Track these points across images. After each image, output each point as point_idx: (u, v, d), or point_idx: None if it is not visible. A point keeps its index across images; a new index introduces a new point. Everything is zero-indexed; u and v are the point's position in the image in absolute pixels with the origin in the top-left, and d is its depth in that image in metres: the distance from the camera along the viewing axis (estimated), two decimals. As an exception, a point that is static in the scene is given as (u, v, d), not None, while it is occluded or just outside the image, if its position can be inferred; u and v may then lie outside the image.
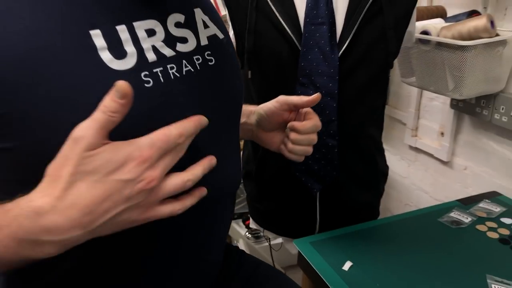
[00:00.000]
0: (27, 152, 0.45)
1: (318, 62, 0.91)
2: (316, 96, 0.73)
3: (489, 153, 1.27)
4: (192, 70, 0.55)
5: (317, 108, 0.92)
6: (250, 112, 0.85)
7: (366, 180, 1.06)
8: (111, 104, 0.41)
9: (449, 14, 1.27)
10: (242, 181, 1.23)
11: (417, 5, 1.18)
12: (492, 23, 1.03)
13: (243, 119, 0.82)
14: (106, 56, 0.46)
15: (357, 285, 0.84)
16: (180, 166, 0.47)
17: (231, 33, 1.01)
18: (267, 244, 1.91)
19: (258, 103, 1.02)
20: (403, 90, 1.56)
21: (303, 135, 0.75)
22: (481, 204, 1.14)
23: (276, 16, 0.92)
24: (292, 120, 0.77)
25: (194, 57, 0.56)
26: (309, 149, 0.77)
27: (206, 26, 0.59)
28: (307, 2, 0.91)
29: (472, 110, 1.26)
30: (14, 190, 0.43)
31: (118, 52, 0.47)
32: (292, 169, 1.00)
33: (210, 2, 0.65)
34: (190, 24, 0.57)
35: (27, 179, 0.42)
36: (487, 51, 1.05)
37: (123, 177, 0.41)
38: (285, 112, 0.78)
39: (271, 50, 0.94)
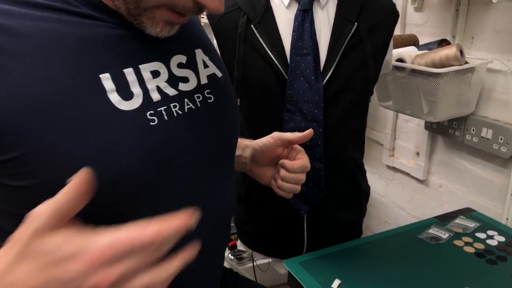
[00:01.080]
0: (42, 190, 0.46)
1: (304, 90, 0.97)
2: (308, 132, 0.76)
3: (462, 171, 1.35)
4: (193, 107, 0.59)
5: (304, 133, 0.97)
6: (246, 146, 0.87)
7: (350, 200, 1.11)
8: (68, 190, 0.38)
9: (421, 42, 1.36)
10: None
11: (392, 34, 1.27)
12: (461, 52, 1.11)
13: (238, 152, 0.85)
14: (114, 98, 0.50)
15: (347, 302, 0.88)
16: (181, 198, 0.51)
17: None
18: (250, 265, 1.93)
19: (247, 129, 1.07)
20: (380, 112, 1.64)
21: (291, 173, 0.77)
22: (457, 220, 1.21)
23: (264, 47, 0.98)
24: (284, 156, 0.80)
25: (195, 95, 0.60)
26: (297, 187, 0.79)
27: (206, 65, 0.64)
28: (292, 35, 0.97)
29: (445, 131, 1.34)
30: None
31: (126, 93, 0.51)
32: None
33: (211, 42, 0.70)
34: (191, 64, 0.61)
35: None
36: (458, 77, 1.13)
37: (64, 275, 0.37)
38: (279, 148, 0.79)
39: (259, 80, 0.99)
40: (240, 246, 1.25)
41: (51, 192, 0.42)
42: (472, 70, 1.15)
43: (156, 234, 0.37)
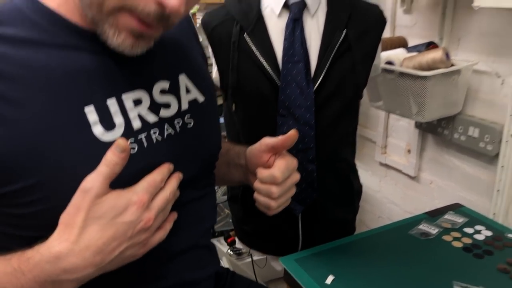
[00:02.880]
0: (37, 216, 0.53)
1: (296, 95, 1.01)
2: (291, 133, 0.72)
3: (451, 168, 1.40)
4: (172, 133, 0.63)
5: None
6: (238, 153, 0.84)
7: (343, 199, 1.16)
8: (113, 157, 0.50)
9: (410, 44, 1.40)
10: (227, 202, 1.31)
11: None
12: (447, 55, 1.16)
13: (235, 161, 0.84)
14: (98, 130, 0.55)
15: (339, 297, 0.93)
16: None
17: (214, 69, 1.11)
18: (249, 260, 1.98)
19: (243, 133, 1.11)
20: (372, 111, 1.68)
21: (262, 184, 0.71)
22: (446, 216, 1.26)
23: (257, 55, 1.02)
24: (271, 164, 0.72)
25: (175, 121, 0.64)
26: (270, 203, 0.72)
27: (188, 91, 0.67)
28: (284, 43, 1.01)
29: (434, 130, 1.38)
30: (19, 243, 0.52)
31: (108, 124, 0.56)
32: (275, 192, 1.08)
33: (198, 63, 0.72)
34: (173, 90, 0.65)
35: (37, 235, 0.51)
36: (444, 79, 1.18)
37: (126, 220, 0.51)
38: (264, 154, 0.73)
39: (253, 86, 1.04)
40: (238, 244, 1.30)
41: (45, 217, 0.52)
42: (458, 72, 1.20)
43: (161, 174, 0.55)
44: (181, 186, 0.61)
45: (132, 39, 0.53)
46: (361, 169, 1.85)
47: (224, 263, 2.03)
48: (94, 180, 0.49)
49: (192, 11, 2.27)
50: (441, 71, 1.15)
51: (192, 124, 0.66)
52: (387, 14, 1.51)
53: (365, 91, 1.39)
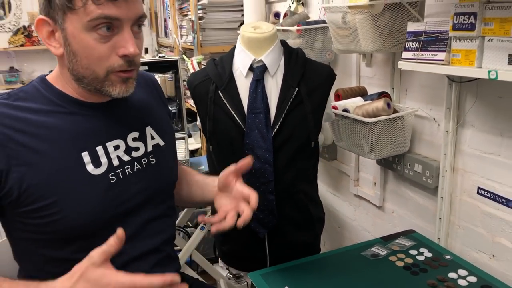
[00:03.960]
0: (47, 227, 0.82)
1: (258, 139, 1.27)
2: (247, 160, 0.98)
3: (407, 199, 1.61)
4: (140, 168, 0.93)
5: (258, 172, 1.26)
6: (213, 179, 1.10)
7: (302, 224, 1.39)
8: (111, 242, 0.71)
9: (369, 92, 1.65)
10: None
11: (348, 85, 1.58)
12: (388, 104, 1.40)
13: (207, 184, 1.13)
14: (90, 167, 0.85)
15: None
16: (131, 229, 0.86)
17: (198, 118, 1.38)
18: (244, 284, 2.19)
19: (219, 167, 1.37)
20: (345, 149, 1.91)
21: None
22: (398, 240, 1.46)
23: (228, 108, 1.29)
24: (233, 184, 1.00)
25: (142, 159, 0.95)
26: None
27: (152, 138, 0.98)
28: (248, 98, 1.28)
29: (390, 166, 1.61)
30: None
31: (96, 163, 0.86)
32: (244, 218, 1.33)
33: (161, 117, 1.03)
34: (142, 138, 0.96)
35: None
36: (389, 124, 1.42)
37: None
38: (230, 176, 1.00)
39: (225, 132, 1.30)
40: (220, 263, 1.53)
41: (54, 225, 0.81)
42: (401, 118, 1.44)
43: (148, 284, 0.69)
44: (145, 206, 0.89)
45: (124, 86, 0.85)
46: (340, 199, 2.07)
47: (222, 285, 2.23)
48: (96, 252, 0.71)
49: (197, 60, 2.60)
50: (383, 118, 1.38)
51: (154, 161, 0.95)
52: (353, 67, 1.77)
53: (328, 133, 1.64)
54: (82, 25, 0.78)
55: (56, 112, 0.85)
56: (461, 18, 1.03)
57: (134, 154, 0.92)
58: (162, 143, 1.00)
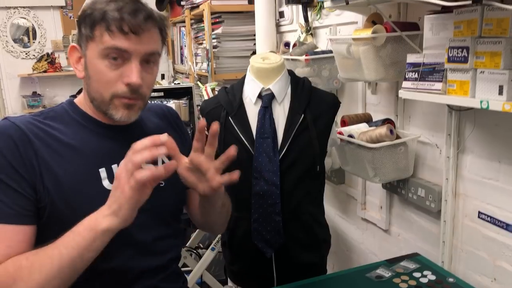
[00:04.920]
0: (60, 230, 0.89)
1: (265, 163, 1.34)
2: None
3: (412, 222, 1.65)
4: None
5: (266, 194, 1.33)
6: None
7: (308, 245, 1.44)
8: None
9: (374, 119, 1.72)
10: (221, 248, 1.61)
11: (354, 111, 1.65)
12: (391, 131, 1.46)
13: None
14: (106, 183, 0.94)
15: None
16: (137, 241, 0.94)
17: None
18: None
19: (228, 189, 1.44)
20: (353, 173, 1.97)
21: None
22: (402, 263, 1.50)
23: (238, 133, 1.37)
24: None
25: None
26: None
27: (163, 163, 1.03)
28: (257, 124, 1.36)
29: (395, 190, 1.66)
30: None
31: (111, 179, 0.94)
32: (252, 237, 1.39)
33: (178, 143, 1.09)
34: (154, 161, 1.01)
35: None
36: (392, 149, 1.48)
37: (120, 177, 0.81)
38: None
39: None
40: (229, 282, 1.59)
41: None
42: (404, 143, 1.49)
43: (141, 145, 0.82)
44: (151, 224, 0.97)
45: (126, 111, 0.95)
46: (348, 223, 2.11)
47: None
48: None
49: (211, 86, 2.71)
50: (386, 144, 1.45)
51: (163, 184, 1.02)
52: (359, 94, 1.85)
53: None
54: (98, 52, 0.91)
55: (79, 132, 0.96)
56: (455, 51, 1.10)
57: None
58: None
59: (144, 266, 0.99)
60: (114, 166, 0.96)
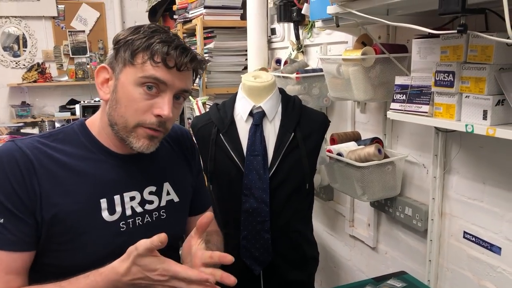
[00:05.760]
0: (62, 255, 0.90)
1: (255, 180, 1.35)
2: (207, 214, 0.93)
3: (399, 241, 1.67)
4: (150, 220, 1.00)
5: (255, 211, 1.34)
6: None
7: (297, 263, 1.45)
8: (155, 241, 0.80)
9: (363, 137, 1.74)
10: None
11: (343, 130, 1.67)
12: (379, 150, 1.49)
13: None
14: (105, 214, 0.93)
15: None
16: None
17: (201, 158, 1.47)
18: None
19: (218, 205, 1.44)
20: (341, 190, 1.98)
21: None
22: (389, 281, 1.51)
23: (228, 149, 1.38)
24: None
25: (154, 213, 1.01)
26: None
27: (168, 193, 1.05)
28: (247, 141, 1.37)
29: (383, 208, 1.68)
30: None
31: (112, 210, 0.94)
32: (240, 254, 1.39)
33: (182, 174, 1.10)
34: (158, 192, 1.03)
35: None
36: (380, 168, 1.50)
37: (150, 277, 0.82)
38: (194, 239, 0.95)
39: (225, 172, 1.39)
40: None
41: (60, 265, 0.89)
42: (391, 163, 1.52)
43: (186, 275, 0.81)
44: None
45: (148, 142, 0.94)
46: (336, 240, 2.12)
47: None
48: (141, 246, 0.81)
49: (202, 100, 2.72)
50: (374, 163, 1.47)
51: (165, 216, 1.03)
52: (348, 113, 1.87)
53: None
54: (134, 79, 0.89)
55: (86, 158, 0.94)
56: (442, 75, 1.13)
57: (148, 207, 0.99)
58: (176, 199, 1.06)
59: None
60: (116, 197, 0.95)
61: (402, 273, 1.56)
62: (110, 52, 0.95)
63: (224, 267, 1.44)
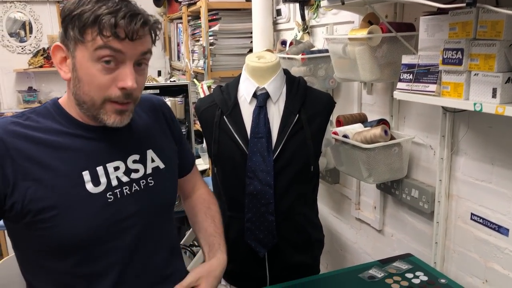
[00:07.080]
0: (47, 236, 0.90)
1: (260, 163, 1.34)
2: None
3: (405, 223, 1.66)
4: (138, 189, 0.99)
5: (259, 194, 1.33)
6: (208, 249, 1.21)
7: (301, 246, 1.44)
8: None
9: (370, 119, 1.72)
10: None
11: (350, 111, 1.64)
12: (386, 131, 1.46)
13: (207, 249, 1.21)
14: (89, 186, 0.92)
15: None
16: (126, 247, 0.94)
17: (204, 141, 1.46)
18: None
19: (222, 188, 1.44)
20: (347, 173, 1.97)
21: None
22: (395, 263, 1.50)
23: (232, 132, 1.36)
24: None
25: (141, 181, 1.00)
26: None
27: (153, 160, 1.04)
28: (251, 123, 1.35)
29: (389, 190, 1.66)
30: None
31: (96, 182, 0.93)
32: (245, 237, 1.38)
33: (163, 142, 1.10)
34: (142, 160, 1.02)
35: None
36: (386, 150, 1.48)
37: None
38: None
39: (229, 154, 1.38)
40: (223, 281, 1.58)
41: (52, 241, 0.90)
42: (398, 144, 1.49)
43: None
44: (142, 226, 0.97)
45: (119, 117, 0.93)
46: (342, 222, 2.11)
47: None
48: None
49: (207, 84, 2.70)
50: (380, 144, 1.45)
51: (152, 183, 1.02)
52: (355, 94, 1.84)
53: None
54: (89, 55, 0.86)
55: (63, 133, 0.93)
56: (450, 53, 1.10)
57: (134, 175, 0.98)
58: (162, 165, 1.05)
59: (137, 267, 1.00)
60: (99, 168, 0.94)
61: (408, 255, 1.55)
62: (60, 30, 0.92)
63: (229, 249, 1.45)
